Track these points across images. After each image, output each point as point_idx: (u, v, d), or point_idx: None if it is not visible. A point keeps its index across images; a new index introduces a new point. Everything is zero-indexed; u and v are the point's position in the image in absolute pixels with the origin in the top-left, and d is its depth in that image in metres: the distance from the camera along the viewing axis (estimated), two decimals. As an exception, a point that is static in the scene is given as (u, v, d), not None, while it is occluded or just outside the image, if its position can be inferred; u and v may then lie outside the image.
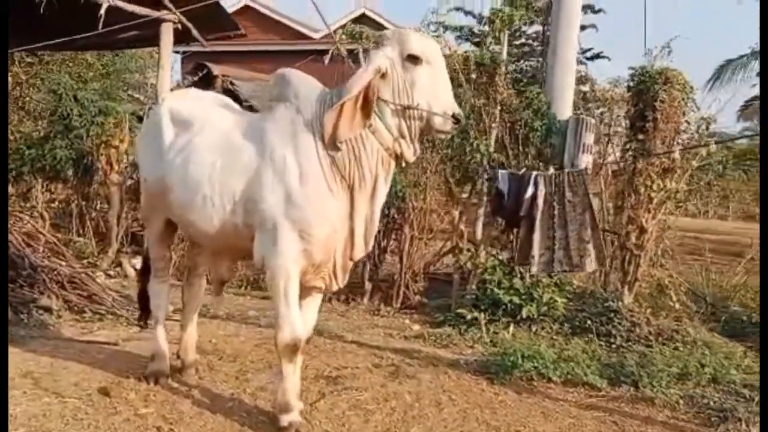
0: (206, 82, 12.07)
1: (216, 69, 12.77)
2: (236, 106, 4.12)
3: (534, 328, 5.67)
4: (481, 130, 6.30)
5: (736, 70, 18.91)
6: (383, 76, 3.25)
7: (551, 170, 5.75)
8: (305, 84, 3.50)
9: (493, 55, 6.57)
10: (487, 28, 8.46)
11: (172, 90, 6.96)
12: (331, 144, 3.26)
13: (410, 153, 3.38)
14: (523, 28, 14.09)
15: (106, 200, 8.51)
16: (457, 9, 13.88)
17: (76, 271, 6.00)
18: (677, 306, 6.08)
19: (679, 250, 7.49)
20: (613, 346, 5.33)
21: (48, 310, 5.40)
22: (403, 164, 3.54)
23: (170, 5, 6.83)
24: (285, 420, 3.43)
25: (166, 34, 6.97)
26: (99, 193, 8.77)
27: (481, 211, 6.53)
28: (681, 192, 6.10)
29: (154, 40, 7.20)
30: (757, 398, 4.15)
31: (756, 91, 19.78)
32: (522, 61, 14.64)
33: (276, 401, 3.52)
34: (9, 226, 5.74)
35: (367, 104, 3.21)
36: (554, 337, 5.56)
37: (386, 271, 7.15)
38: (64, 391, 3.78)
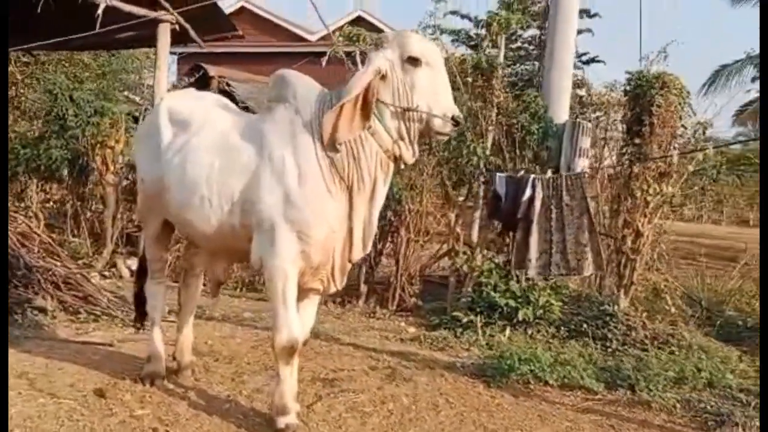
0: (202, 83, 12.07)
1: (212, 70, 12.77)
2: (235, 107, 4.11)
3: (530, 332, 5.67)
4: (477, 133, 6.31)
5: (731, 75, 19.01)
6: (383, 77, 3.25)
7: (549, 173, 5.76)
8: (304, 85, 3.49)
9: (489, 59, 6.58)
10: (483, 31, 8.48)
11: (168, 91, 6.95)
12: (330, 145, 3.25)
13: (409, 155, 3.37)
14: (519, 32, 14.12)
15: (102, 201, 8.47)
16: (453, 13, 13.88)
17: (71, 271, 5.98)
18: (673, 310, 6.10)
19: (674, 255, 7.50)
20: (609, 349, 5.34)
21: (43, 310, 5.37)
22: (402, 166, 3.54)
23: (168, 6, 6.81)
24: (282, 422, 3.41)
25: (164, 34, 6.95)
26: (94, 194, 8.75)
27: (477, 214, 6.54)
28: (677, 196, 6.12)
29: (151, 41, 7.18)
30: (753, 402, 4.16)
31: (750, 96, 19.93)
32: (518, 65, 14.67)
33: (273, 403, 3.50)
34: (4, 226, 5.71)
35: (367, 106, 3.20)
36: (550, 340, 5.56)
37: (382, 274, 7.15)
38: (60, 392, 3.75)
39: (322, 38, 19.11)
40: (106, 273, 7.42)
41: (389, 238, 6.91)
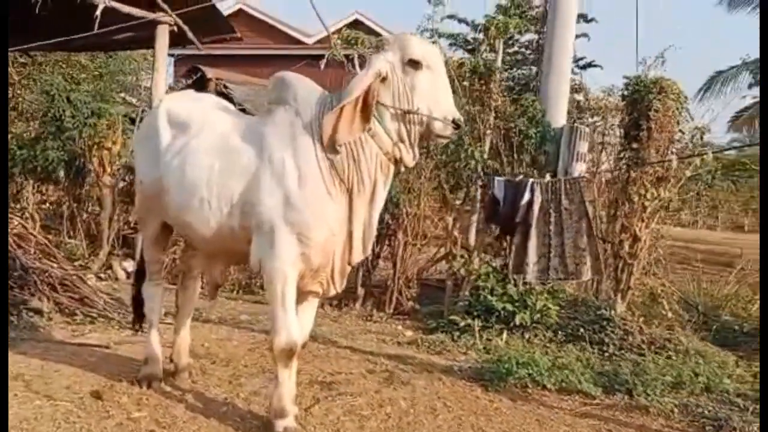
0: (200, 85, 12.04)
1: (210, 72, 12.74)
2: (234, 108, 4.10)
3: (527, 336, 5.67)
4: (475, 137, 6.32)
5: (726, 82, 19.05)
6: (383, 80, 3.25)
7: (547, 177, 5.76)
8: (305, 87, 3.49)
9: (487, 63, 6.59)
10: (481, 35, 8.49)
11: (166, 93, 6.93)
12: (330, 147, 3.25)
13: (409, 158, 3.37)
14: (516, 37, 14.14)
15: (98, 202, 8.45)
16: (451, 17, 13.89)
17: (68, 273, 5.95)
18: (669, 315, 6.10)
19: (670, 259, 7.52)
20: (606, 354, 5.34)
21: (39, 312, 5.35)
22: (402, 169, 3.53)
23: (166, 7, 6.80)
24: (280, 425, 3.40)
25: (162, 36, 6.93)
26: (91, 195, 8.72)
27: (475, 217, 6.54)
28: (674, 201, 6.13)
29: (149, 42, 7.16)
30: (751, 407, 4.17)
31: (746, 102, 19.97)
32: (515, 69, 14.68)
33: (271, 406, 3.49)
34: (0, 227, 5.69)
35: (367, 108, 3.20)
36: (547, 344, 5.56)
37: (379, 277, 7.15)
38: (56, 394, 3.74)
39: (319, 41, 19.15)
40: (102, 275, 7.41)
41: (387, 242, 6.90)
